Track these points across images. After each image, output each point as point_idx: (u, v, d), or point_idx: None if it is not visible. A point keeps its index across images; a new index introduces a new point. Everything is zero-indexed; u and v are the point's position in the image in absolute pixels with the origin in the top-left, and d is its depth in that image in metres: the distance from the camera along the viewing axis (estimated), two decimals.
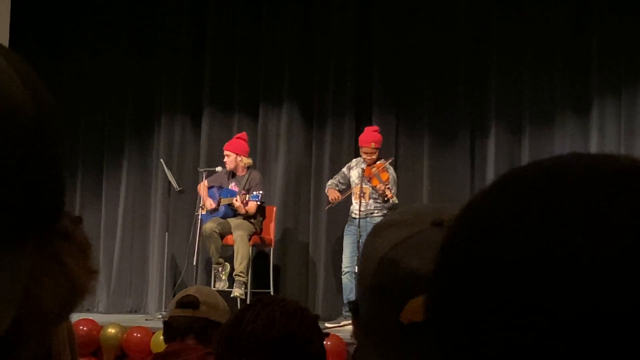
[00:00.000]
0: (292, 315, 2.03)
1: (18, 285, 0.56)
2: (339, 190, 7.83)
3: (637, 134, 7.64)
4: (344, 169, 7.90)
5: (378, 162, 7.68)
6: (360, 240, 7.59)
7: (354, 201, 7.70)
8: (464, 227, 0.59)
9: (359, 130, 8.19)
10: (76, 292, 0.60)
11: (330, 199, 7.79)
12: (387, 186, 7.47)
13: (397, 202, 7.62)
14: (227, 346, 2.05)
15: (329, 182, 7.93)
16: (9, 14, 7.88)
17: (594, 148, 7.73)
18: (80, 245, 0.62)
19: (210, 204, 7.90)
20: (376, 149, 7.67)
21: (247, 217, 7.86)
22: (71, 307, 0.60)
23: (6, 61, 0.56)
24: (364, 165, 7.68)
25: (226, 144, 8.05)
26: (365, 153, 7.67)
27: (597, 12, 7.82)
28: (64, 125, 0.60)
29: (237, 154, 7.93)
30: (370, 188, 7.61)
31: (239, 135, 8.16)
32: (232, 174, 8.00)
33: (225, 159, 7.96)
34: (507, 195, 0.58)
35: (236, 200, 7.73)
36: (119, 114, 9.11)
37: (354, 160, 7.93)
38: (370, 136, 7.70)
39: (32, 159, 0.55)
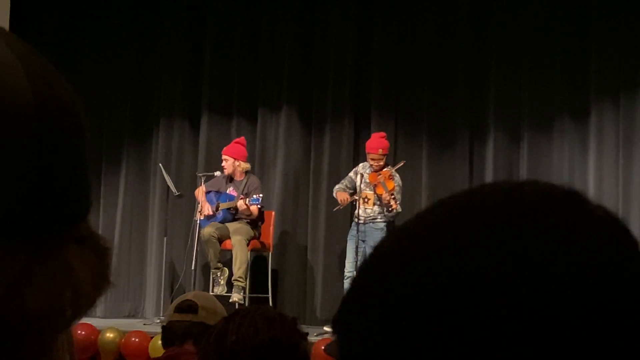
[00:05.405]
0: (273, 321, 2.09)
1: None
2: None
3: (635, 140, 7.63)
4: (351, 174, 7.80)
5: (385, 170, 7.61)
6: (363, 245, 7.53)
7: (357, 206, 7.64)
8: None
9: (357, 135, 8.18)
10: (79, 300, 0.56)
11: (339, 200, 7.68)
12: (393, 196, 7.41)
13: (400, 210, 7.53)
14: (214, 359, 2.08)
15: (337, 186, 7.85)
16: (8, 20, 7.88)
17: (592, 153, 7.75)
18: (96, 251, 0.58)
19: (207, 209, 7.88)
20: (384, 155, 7.58)
21: (250, 221, 7.83)
22: (74, 313, 0.56)
23: (8, 47, 0.54)
24: (369, 171, 7.63)
25: (225, 148, 8.04)
26: (373, 159, 7.56)
27: (596, 18, 7.83)
28: (86, 122, 0.56)
29: (235, 159, 7.91)
30: (375, 194, 7.55)
31: (237, 140, 8.14)
32: (230, 179, 7.99)
33: (223, 163, 7.95)
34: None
35: (239, 200, 7.70)
36: (117, 118, 9.10)
37: (360, 165, 7.81)
38: (377, 142, 7.62)
39: (28, 151, 0.51)
